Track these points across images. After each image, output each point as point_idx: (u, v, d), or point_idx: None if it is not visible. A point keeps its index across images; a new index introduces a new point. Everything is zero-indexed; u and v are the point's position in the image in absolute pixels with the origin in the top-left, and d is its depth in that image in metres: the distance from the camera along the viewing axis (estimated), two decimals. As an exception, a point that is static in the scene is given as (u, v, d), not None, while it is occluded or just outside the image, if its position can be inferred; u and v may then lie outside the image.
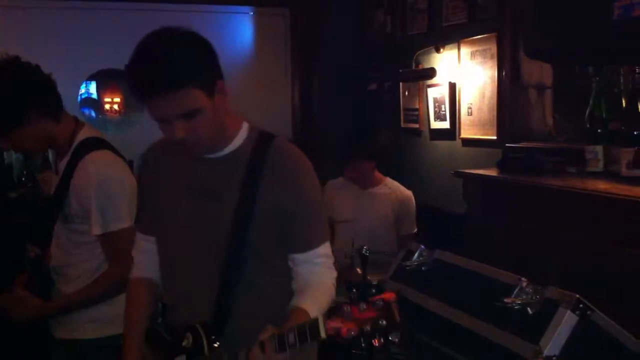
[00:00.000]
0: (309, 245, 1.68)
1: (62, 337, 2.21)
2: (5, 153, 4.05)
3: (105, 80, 4.84)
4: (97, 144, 2.13)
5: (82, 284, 2.14)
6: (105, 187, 2.04)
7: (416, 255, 2.14)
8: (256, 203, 1.62)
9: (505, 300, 1.66)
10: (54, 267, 2.21)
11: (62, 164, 2.14)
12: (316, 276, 1.68)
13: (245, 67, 5.00)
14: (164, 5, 4.70)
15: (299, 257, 1.68)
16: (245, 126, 1.71)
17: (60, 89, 2.16)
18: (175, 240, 1.73)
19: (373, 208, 3.43)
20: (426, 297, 1.96)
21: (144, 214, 1.88)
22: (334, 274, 1.74)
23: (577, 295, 1.55)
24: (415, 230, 3.47)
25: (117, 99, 4.85)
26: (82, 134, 2.15)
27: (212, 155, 1.67)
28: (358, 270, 2.96)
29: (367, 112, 4.64)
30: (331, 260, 1.74)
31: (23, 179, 4.04)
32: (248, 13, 5.09)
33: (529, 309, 1.62)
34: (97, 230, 2.07)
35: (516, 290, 1.68)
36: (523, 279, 1.69)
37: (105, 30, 4.55)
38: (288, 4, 5.06)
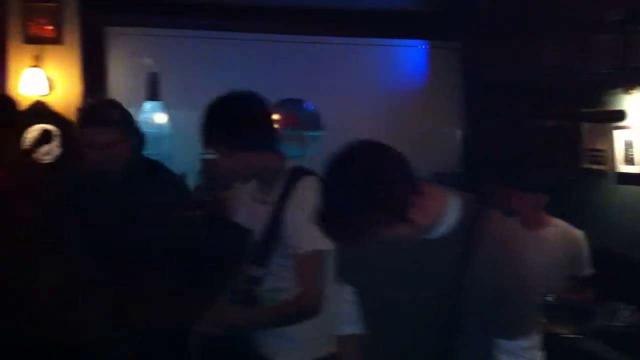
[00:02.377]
0: (516, 332, 1.54)
1: None
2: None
3: (279, 108, 5.05)
4: (305, 171, 2.26)
5: None
6: (312, 207, 2.13)
7: (623, 315, 2.06)
8: (467, 280, 1.51)
9: None
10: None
11: (272, 193, 2.25)
12: None
13: (415, 101, 5.05)
14: (335, 39, 4.86)
15: (502, 344, 1.55)
16: (455, 202, 1.57)
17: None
18: (380, 310, 1.67)
19: (543, 252, 3.29)
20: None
21: (344, 261, 1.81)
22: None
23: None
24: (591, 272, 3.28)
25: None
26: (288, 164, 2.28)
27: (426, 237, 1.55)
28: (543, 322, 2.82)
29: (541, 148, 4.51)
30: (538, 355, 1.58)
31: (206, 199, 4.28)
32: (419, 47, 5.14)
33: None
34: (298, 247, 2.12)
35: None
36: None
37: (281, 62, 4.74)
38: (460, 38, 5.05)
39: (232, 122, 2.16)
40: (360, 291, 1.73)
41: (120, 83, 4.51)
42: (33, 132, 3.91)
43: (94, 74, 4.42)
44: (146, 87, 4.46)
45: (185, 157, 4.08)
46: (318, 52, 4.73)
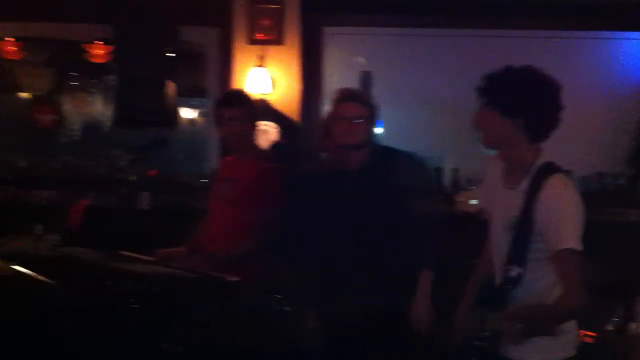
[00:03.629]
0: None
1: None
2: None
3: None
4: (556, 168, 2.20)
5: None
6: (566, 206, 2.10)
7: None
8: None
9: None
10: None
11: (521, 183, 2.20)
12: None
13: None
14: (555, 33, 4.67)
15: None
16: None
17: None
18: None
19: None
20: None
21: None
22: None
23: None
24: None
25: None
26: (541, 159, 2.22)
27: None
28: None
29: None
30: None
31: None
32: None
33: None
34: (555, 245, 2.08)
35: None
36: None
37: (497, 59, 4.61)
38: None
39: (524, 90, 2.16)
40: None
41: (335, 82, 4.58)
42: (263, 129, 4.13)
43: (311, 73, 4.56)
44: (359, 85, 4.54)
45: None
46: (537, 47, 4.56)
